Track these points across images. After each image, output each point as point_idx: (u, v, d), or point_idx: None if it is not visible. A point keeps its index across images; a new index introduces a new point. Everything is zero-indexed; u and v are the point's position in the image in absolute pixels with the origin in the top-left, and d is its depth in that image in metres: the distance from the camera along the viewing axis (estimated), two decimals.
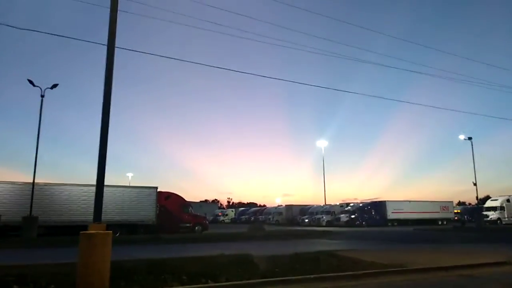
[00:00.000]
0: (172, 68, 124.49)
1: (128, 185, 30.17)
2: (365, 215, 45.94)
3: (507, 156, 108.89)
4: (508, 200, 44.17)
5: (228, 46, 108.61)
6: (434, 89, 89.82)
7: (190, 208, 29.89)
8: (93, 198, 7.16)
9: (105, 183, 7.27)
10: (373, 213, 46.23)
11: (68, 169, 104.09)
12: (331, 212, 48.75)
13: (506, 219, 42.95)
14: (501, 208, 43.61)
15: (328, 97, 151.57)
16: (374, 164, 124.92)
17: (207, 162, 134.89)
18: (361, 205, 48.60)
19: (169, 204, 28.06)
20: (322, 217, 47.80)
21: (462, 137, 40.96)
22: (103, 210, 7.14)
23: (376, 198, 51.63)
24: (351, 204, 50.19)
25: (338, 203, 52.91)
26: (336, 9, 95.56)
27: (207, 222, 31.62)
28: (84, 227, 6.84)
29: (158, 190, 26.33)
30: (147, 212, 25.12)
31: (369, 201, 50.12)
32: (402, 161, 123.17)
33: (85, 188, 23.14)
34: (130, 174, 79.33)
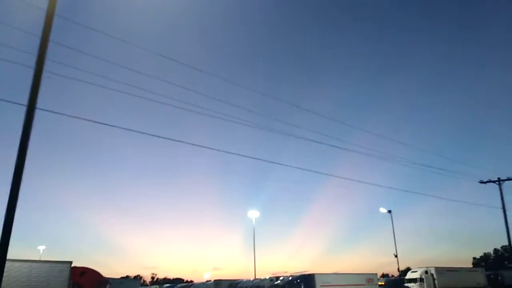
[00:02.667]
0: (94, 134, 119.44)
1: (38, 259, 26.74)
2: None
3: (424, 228, 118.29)
4: (426, 272, 46.51)
5: (159, 113, 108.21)
6: (358, 165, 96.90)
7: (108, 285, 27.49)
8: None
9: (10, 257, 6.25)
10: (302, 286, 45.47)
11: None
12: (261, 287, 47.07)
13: None
14: (421, 279, 45.59)
15: (259, 168, 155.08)
16: (303, 235, 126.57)
17: (131, 235, 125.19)
18: (290, 278, 47.66)
19: (83, 280, 25.45)
20: None
21: (383, 210, 43.65)
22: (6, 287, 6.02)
23: (305, 271, 51.27)
24: (281, 278, 49.05)
25: (268, 277, 51.46)
26: (269, 84, 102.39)
27: None
28: None
29: (73, 265, 23.82)
30: None
31: (298, 274, 49.41)
32: (329, 232, 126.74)
33: None
34: (42, 247, 70.46)
